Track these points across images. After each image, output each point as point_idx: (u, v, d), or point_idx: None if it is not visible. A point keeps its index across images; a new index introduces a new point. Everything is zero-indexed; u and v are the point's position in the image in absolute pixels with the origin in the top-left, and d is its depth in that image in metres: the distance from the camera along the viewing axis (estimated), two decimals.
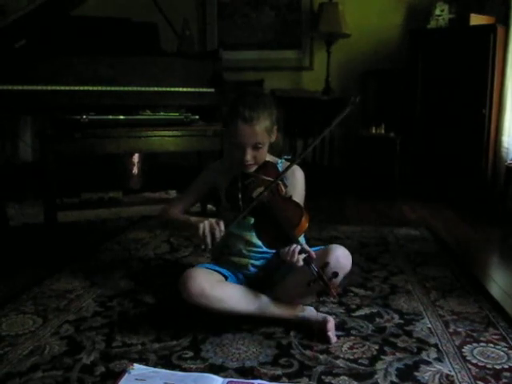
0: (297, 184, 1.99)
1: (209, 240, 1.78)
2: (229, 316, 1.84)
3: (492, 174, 4.27)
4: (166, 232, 3.26)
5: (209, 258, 2.64)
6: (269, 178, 1.87)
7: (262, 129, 1.87)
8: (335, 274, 1.65)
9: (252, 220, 1.87)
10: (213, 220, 1.83)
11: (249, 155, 1.88)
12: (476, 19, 4.17)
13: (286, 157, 2.10)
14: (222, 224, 1.80)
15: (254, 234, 1.88)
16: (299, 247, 1.66)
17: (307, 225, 1.76)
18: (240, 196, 1.87)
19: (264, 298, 1.89)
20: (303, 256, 1.65)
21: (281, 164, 2.05)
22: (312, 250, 1.71)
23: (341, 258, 1.81)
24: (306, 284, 1.66)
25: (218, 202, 2.08)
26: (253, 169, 1.93)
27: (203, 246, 1.80)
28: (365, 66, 4.93)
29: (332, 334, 1.81)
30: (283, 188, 1.88)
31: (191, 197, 2.17)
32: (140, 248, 2.94)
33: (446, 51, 4.29)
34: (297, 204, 1.85)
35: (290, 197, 1.88)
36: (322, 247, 1.95)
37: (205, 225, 1.80)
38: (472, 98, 4.18)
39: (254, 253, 1.98)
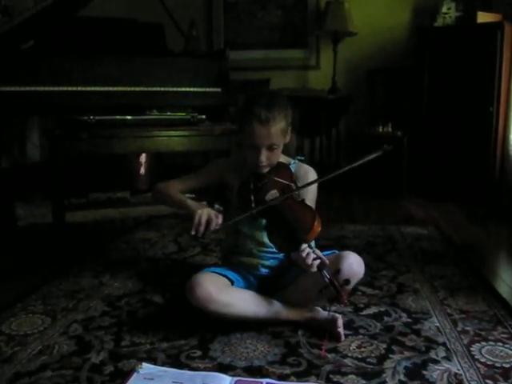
0: (309, 187, 1.99)
1: (202, 229, 1.79)
2: (237, 321, 1.84)
3: (500, 172, 4.25)
4: (173, 231, 3.27)
5: (217, 257, 2.66)
6: (282, 180, 1.87)
7: (278, 130, 1.85)
8: (347, 281, 1.65)
9: (264, 221, 1.87)
10: (212, 211, 1.83)
11: (263, 156, 1.87)
12: (483, 17, 4.16)
13: (299, 157, 2.09)
14: (220, 217, 1.81)
15: (264, 233, 1.88)
16: (313, 254, 1.66)
17: (319, 229, 1.76)
18: (253, 198, 1.86)
19: (272, 302, 1.88)
20: (317, 262, 1.65)
21: (294, 165, 2.04)
22: (323, 255, 1.71)
23: (354, 264, 1.81)
24: (316, 289, 1.66)
25: (226, 201, 2.08)
26: (266, 170, 1.92)
27: (193, 233, 1.80)
28: (371, 65, 4.93)
29: (342, 330, 1.81)
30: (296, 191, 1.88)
31: (194, 181, 2.14)
32: (148, 248, 2.95)
33: (453, 49, 4.27)
34: (309, 208, 1.84)
35: (303, 200, 1.88)
36: (334, 251, 1.95)
37: (203, 213, 1.81)
38: (479, 96, 4.16)
39: (264, 253, 1.98)
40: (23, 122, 4.56)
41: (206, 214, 1.81)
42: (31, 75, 3.19)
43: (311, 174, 2.03)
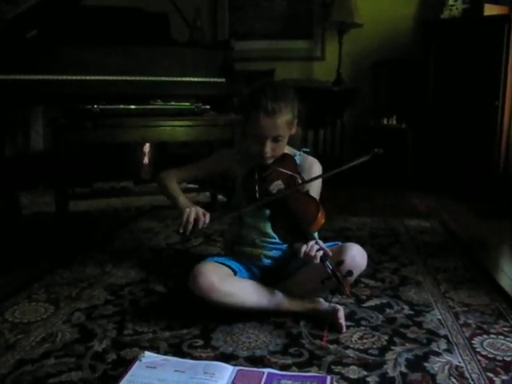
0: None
1: (189, 227, 1.82)
2: (239, 311, 1.85)
3: (504, 166, 4.24)
4: (177, 222, 3.27)
5: (220, 247, 2.67)
6: (287, 171, 1.87)
7: (284, 122, 1.85)
8: (350, 273, 1.65)
9: (268, 212, 1.87)
10: (200, 210, 1.85)
11: (268, 147, 1.86)
12: (490, 9, 4.14)
13: (304, 149, 2.09)
14: (208, 216, 1.84)
15: (268, 224, 1.88)
16: (316, 245, 1.66)
17: (323, 221, 1.76)
18: (257, 188, 1.86)
19: (274, 292, 1.89)
20: (320, 253, 1.65)
21: (299, 156, 2.04)
22: (327, 247, 1.70)
23: (357, 257, 1.81)
24: (319, 281, 1.66)
25: (229, 193, 2.08)
26: (270, 161, 1.92)
27: (181, 230, 1.83)
28: (377, 57, 4.91)
29: (343, 321, 1.82)
30: (300, 182, 1.88)
31: (197, 170, 2.14)
32: (151, 237, 2.96)
33: (459, 42, 4.26)
34: (313, 199, 1.85)
35: (307, 191, 1.88)
36: (337, 243, 1.95)
37: (191, 211, 1.83)
38: (485, 90, 4.15)
39: (267, 243, 1.98)
40: (27, 110, 4.56)
41: (194, 213, 1.84)
42: (35, 64, 3.19)
43: (316, 166, 2.02)
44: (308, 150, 2.11)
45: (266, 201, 1.80)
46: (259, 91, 1.87)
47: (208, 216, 1.84)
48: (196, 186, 3.87)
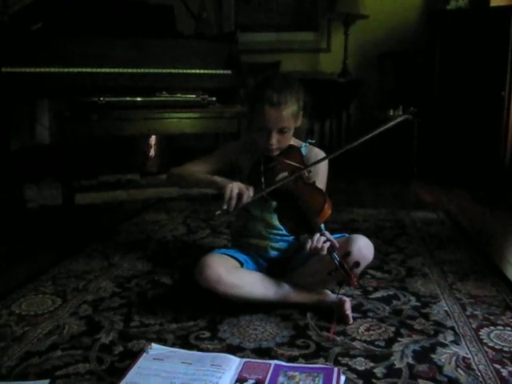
0: (320, 170, 1.97)
1: (234, 203, 1.75)
2: (246, 303, 1.85)
3: (510, 156, 4.22)
4: (183, 214, 3.28)
5: (226, 239, 2.67)
6: (292, 163, 1.86)
7: (289, 114, 1.84)
8: (357, 264, 1.65)
9: (274, 204, 1.87)
10: (242, 184, 1.80)
11: (274, 139, 1.86)
12: (496, 0, 4.11)
13: (309, 141, 2.08)
14: (251, 190, 1.78)
15: (274, 216, 1.88)
16: (323, 237, 1.66)
17: (330, 212, 1.75)
18: (263, 180, 1.86)
19: (281, 284, 1.89)
20: (327, 245, 1.64)
21: (305, 148, 2.03)
22: (334, 238, 1.70)
23: (363, 248, 1.80)
24: (326, 272, 1.66)
25: None
26: (276, 153, 1.91)
27: (225, 207, 1.76)
28: (382, 48, 4.88)
29: (350, 313, 1.81)
30: (306, 173, 1.87)
31: (207, 164, 2.08)
32: (157, 230, 2.96)
33: (465, 33, 4.23)
34: (320, 190, 1.84)
35: (313, 183, 1.87)
36: (344, 235, 1.94)
37: (233, 187, 1.77)
38: (491, 81, 4.13)
39: (273, 235, 1.98)
40: (32, 103, 4.56)
41: (237, 187, 1.77)
42: (41, 56, 3.18)
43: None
44: (313, 141, 2.11)
45: (271, 189, 1.79)
46: (264, 83, 1.87)
47: (251, 189, 1.78)
48: None
